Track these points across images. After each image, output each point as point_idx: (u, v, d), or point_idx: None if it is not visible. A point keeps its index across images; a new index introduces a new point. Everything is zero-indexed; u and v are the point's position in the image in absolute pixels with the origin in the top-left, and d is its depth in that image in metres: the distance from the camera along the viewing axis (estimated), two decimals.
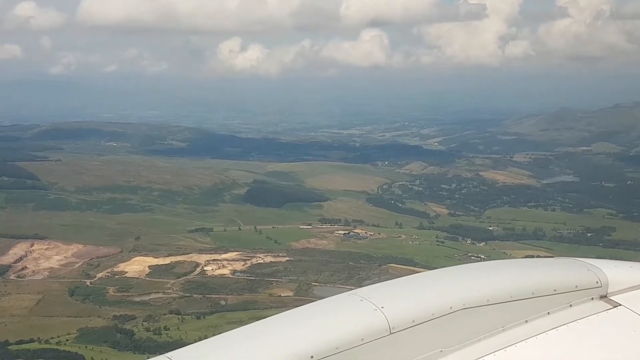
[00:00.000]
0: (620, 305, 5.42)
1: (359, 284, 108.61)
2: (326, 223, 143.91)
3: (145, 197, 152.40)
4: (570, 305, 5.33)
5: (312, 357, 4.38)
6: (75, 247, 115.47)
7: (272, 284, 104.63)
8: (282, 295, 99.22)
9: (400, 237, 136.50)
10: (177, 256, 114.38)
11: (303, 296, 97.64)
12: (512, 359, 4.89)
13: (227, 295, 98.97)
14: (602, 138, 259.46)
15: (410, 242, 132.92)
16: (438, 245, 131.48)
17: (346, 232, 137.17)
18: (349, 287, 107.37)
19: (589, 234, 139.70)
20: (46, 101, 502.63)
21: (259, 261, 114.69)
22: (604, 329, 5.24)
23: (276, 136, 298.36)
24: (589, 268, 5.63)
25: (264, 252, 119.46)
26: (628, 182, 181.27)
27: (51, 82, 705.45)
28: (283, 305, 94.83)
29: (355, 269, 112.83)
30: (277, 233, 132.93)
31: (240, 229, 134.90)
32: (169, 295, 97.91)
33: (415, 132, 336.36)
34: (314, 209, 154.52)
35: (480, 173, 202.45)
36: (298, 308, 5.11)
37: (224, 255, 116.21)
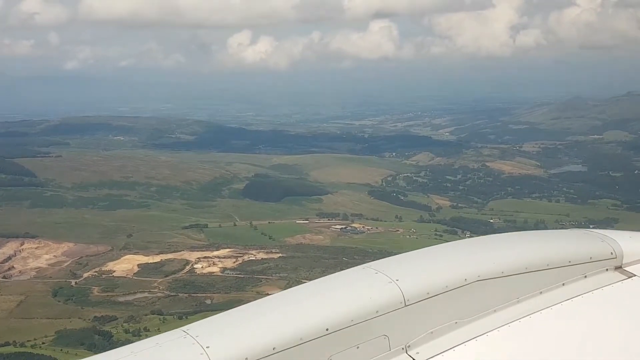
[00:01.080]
0: (635, 275, 5.41)
1: None
2: (324, 217, 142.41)
3: (143, 193, 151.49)
4: (585, 276, 5.30)
5: (327, 329, 4.39)
6: (65, 246, 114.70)
7: (261, 281, 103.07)
8: (269, 293, 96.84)
9: (398, 231, 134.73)
10: (168, 254, 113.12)
11: None
12: (527, 330, 4.89)
13: (214, 294, 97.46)
14: (614, 126, 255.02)
15: (408, 237, 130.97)
16: (436, 238, 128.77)
17: (343, 226, 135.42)
18: None
19: (591, 226, 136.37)
20: (61, 96, 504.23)
21: (250, 258, 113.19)
22: (618, 300, 5.20)
23: (287, 128, 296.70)
24: (603, 239, 5.60)
25: (256, 249, 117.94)
26: (635, 172, 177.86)
27: (64, 77, 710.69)
28: None
29: (348, 265, 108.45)
30: (273, 228, 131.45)
31: (235, 225, 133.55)
32: (154, 295, 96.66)
33: (427, 122, 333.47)
34: (313, 202, 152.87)
35: (487, 164, 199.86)
36: (313, 281, 5.13)
37: (215, 253, 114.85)
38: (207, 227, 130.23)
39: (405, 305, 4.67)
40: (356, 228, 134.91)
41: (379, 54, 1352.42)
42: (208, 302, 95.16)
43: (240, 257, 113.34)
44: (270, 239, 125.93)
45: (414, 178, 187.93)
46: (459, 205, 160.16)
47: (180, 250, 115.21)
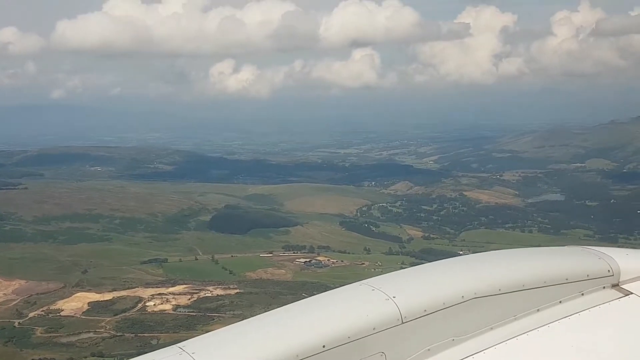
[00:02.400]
0: (631, 293, 5.37)
1: None
2: (290, 250, 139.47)
3: (106, 226, 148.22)
4: (582, 294, 5.29)
5: (324, 346, 4.40)
6: (17, 283, 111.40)
7: (213, 319, 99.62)
8: None
9: (363, 264, 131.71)
10: (121, 291, 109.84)
11: None
12: (524, 347, 4.90)
13: (161, 333, 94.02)
14: (597, 154, 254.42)
15: (372, 270, 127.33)
16: None
17: (307, 260, 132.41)
18: None
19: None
20: (45, 125, 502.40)
21: (206, 294, 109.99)
22: (615, 318, 5.21)
23: (270, 157, 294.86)
24: (601, 257, 5.58)
25: (214, 284, 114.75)
26: (611, 201, 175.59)
27: (48, 106, 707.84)
28: None
29: None
30: (235, 262, 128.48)
31: (196, 259, 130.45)
32: (100, 335, 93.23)
33: (412, 151, 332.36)
34: (281, 234, 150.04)
35: (465, 193, 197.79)
36: (310, 298, 5.11)
37: (171, 289, 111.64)
38: (166, 262, 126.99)
39: (403, 322, 4.64)
40: (321, 261, 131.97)
41: (363, 82, 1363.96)
42: (154, 342, 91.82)
43: (196, 293, 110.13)
44: (230, 273, 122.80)
45: (389, 208, 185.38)
46: (431, 236, 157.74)
47: (135, 287, 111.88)
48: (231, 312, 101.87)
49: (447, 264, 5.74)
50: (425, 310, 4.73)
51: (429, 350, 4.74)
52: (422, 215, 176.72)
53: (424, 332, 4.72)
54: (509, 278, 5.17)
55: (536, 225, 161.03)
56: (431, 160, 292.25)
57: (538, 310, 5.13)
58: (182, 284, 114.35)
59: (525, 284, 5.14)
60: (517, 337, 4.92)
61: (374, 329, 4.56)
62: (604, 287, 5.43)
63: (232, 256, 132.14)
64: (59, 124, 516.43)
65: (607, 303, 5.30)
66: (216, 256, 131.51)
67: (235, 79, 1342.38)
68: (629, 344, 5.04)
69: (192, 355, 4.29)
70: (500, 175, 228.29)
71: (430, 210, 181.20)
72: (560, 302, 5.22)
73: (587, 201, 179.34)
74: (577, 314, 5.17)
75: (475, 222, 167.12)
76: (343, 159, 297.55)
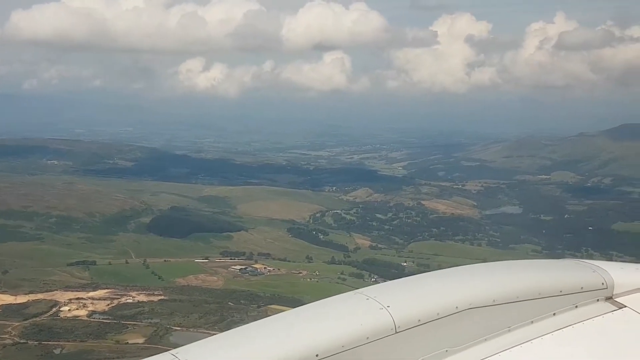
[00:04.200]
0: (625, 306, 5.43)
1: (227, 328, 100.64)
2: (228, 256, 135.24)
3: (40, 225, 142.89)
4: (576, 307, 5.34)
5: (317, 355, 4.42)
6: None
7: (127, 328, 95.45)
8: (129, 342, 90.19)
9: (300, 273, 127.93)
10: (39, 294, 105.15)
11: (154, 344, 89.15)
12: (518, 359, 4.93)
13: (68, 342, 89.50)
14: (563, 167, 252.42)
15: (309, 280, 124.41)
16: (337, 283, 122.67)
17: (243, 267, 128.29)
18: (211, 332, 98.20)
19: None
20: (18, 117, 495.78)
21: (127, 301, 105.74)
22: (609, 330, 5.25)
23: (238, 157, 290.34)
24: (595, 270, 5.63)
25: (138, 290, 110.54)
26: (566, 216, 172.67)
27: (20, 97, 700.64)
28: (121, 355, 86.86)
29: (231, 310, 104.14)
30: (167, 267, 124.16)
31: (127, 263, 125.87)
32: (2, 342, 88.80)
33: (383, 156, 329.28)
34: (222, 240, 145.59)
35: (423, 202, 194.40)
36: (304, 306, 5.13)
37: (91, 294, 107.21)
38: (94, 265, 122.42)
39: (396, 332, 4.65)
40: (257, 269, 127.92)
41: (335, 85, 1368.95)
42: (57, 351, 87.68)
43: (117, 299, 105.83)
44: (159, 279, 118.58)
45: (343, 215, 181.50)
46: (379, 246, 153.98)
47: (54, 290, 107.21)
48: (148, 321, 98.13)
49: (442, 275, 5.67)
50: (419, 320, 4.72)
51: None
52: (374, 224, 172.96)
53: (417, 343, 4.69)
54: (504, 289, 5.13)
55: (486, 239, 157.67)
56: (400, 166, 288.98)
57: (532, 322, 5.11)
58: (104, 289, 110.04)
59: (520, 295, 5.10)
60: (510, 349, 4.91)
61: (367, 338, 4.53)
62: (597, 300, 5.43)
63: (165, 261, 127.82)
64: (27, 116, 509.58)
65: (601, 316, 5.30)
66: (149, 260, 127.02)
67: (204, 77, 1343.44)
68: (622, 357, 5.02)
69: None
70: (463, 185, 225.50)
71: (384, 219, 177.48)
72: (554, 314, 5.20)
73: (542, 215, 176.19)
74: (571, 326, 5.16)
75: (426, 233, 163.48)
76: (313, 161, 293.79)
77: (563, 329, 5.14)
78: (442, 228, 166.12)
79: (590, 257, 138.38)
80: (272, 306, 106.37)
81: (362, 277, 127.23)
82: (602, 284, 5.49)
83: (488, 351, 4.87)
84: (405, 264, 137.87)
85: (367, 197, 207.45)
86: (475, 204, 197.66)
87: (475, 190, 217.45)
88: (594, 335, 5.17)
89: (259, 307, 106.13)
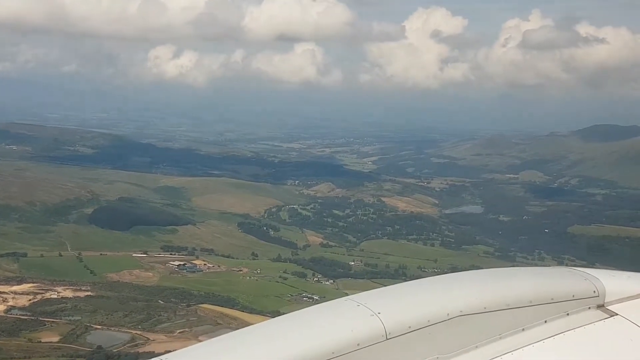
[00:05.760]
0: (617, 314, 5.42)
1: (151, 328, 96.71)
2: (170, 251, 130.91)
3: None
4: (567, 314, 5.31)
5: None
6: None
7: (44, 325, 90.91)
8: (43, 340, 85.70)
9: (241, 271, 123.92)
10: None
11: (69, 343, 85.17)
12: None
13: None
14: (531, 166, 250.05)
15: (248, 278, 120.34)
16: (277, 282, 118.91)
17: (183, 263, 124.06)
18: (133, 331, 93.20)
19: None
20: None
21: (52, 296, 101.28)
22: (600, 338, 5.24)
23: (206, 147, 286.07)
24: (587, 277, 5.61)
25: (66, 285, 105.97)
26: (524, 217, 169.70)
27: None
28: (29, 355, 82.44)
29: (159, 309, 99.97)
30: (101, 261, 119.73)
31: (61, 255, 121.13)
32: None
33: (355, 149, 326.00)
34: (167, 233, 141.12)
35: (383, 199, 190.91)
36: (294, 313, 5.12)
37: (15, 287, 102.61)
38: (25, 257, 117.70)
39: (387, 339, 4.61)
40: (196, 265, 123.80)
41: (308, 77, 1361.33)
42: None
43: (41, 294, 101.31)
44: (91, 273, 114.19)
45: (300, 210, 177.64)
46: (330, 243, 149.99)
47: None
48: (68, 318, 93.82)
49: (433, 282, 5.66)
50: (410, 327, 4.69)
51: None
52: (329, 220, 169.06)
53: (408, 349, 4.67)
54: (495, 297, 5.09)
55: (440, 239, 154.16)
56: (370, 161, 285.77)
57: (523, 329, 5.07)
58: (30, 283, 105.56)
59: (511, 303, 5.08)
60: (501, 356, 4.89)
61: (358, 344, 4.50)
62: (589, 308, 5.41)
63: (101, 254, 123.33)
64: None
65: (592, 324, 5.29)
66: (85, 253, 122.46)
67: (173, 65, 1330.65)
68: None
69: None
70: (428, 183, 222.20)
71: (340, 215, 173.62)
72: (545, 321, 5.16)
73: (501, 215, 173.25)
74: (562, 334, 5.14)
75: (380, 232, 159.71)
76: (283, 153, 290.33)
77: (554, 337, 5.08)
78: (397, 226, 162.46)
79: (543, 260, 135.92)
80: (203, 305, 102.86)
81: (305, 277, 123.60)
82: (594, 291, 5.42)
83: (479, 358, 4.82)
84: (353, 263, 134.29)
85: (328, 192, 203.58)
86: (436, 202, 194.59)
87: (439, 188, 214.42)
88: (585, 343, 5.12)
89: (188, 305, 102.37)
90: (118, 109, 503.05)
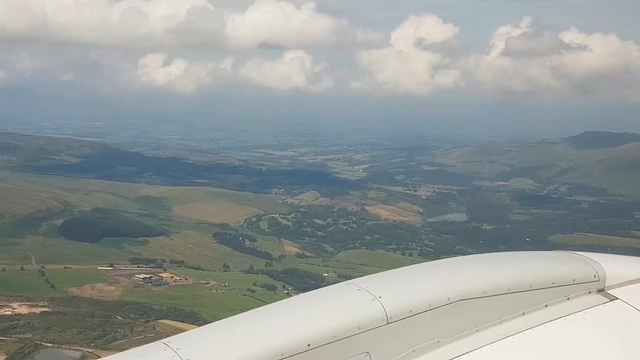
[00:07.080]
0: (617, 299, 5.44)
1: (104, 346, 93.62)
2: (137, 263, 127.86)
3: None
4: (568, 299, 5.33)
5: (309, 344, 4.42)
6: None
7: None
8: None
9: (208, 283, 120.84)
10: None
11: None
12: (509, 350, 4.95)
13: None
14: (522, 173, 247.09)
15: (215, 291, 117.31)
16: (245, 295, 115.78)
17: (149, 276, 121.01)
18: (86, 349, 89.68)
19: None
20: None
21: (6, 312, 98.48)
22: (600, 322, 5.27)
23: (192, 155, 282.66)
24: (587, 262, 5.62)
25: (22, 300, 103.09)
26: (507, 226, 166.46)
27: None
28: None
29: (115, 325, 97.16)
30: (64, 275, 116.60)
31: (23, 269, 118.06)
32: None
33: (347, 157, 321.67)
34: (137, 245, 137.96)
35: (367, 207, 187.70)
36: (296, 297, 5.27)
37: None
38: None
39: (388, 323, 4.65)
40: (162, 278, 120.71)
41: (293, 84, 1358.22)
42: None
43: None
44: (52, 287, 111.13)
45: (280, 220, 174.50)
46: (306, 254, 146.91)
47: None
48: (19, 336, 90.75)
49: (434, 266, 5.64)
50: (411, 311, 4.72)
51: (414, 351, 4.72)
52: (308, 229, 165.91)
53: (409, 333, 4.70)
54: (495, 281, 5.11)
55: (419, 248, 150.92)
56: (361, 169, 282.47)
57: (524, 313, 5.11)
58: None
59: (511, 287, 5.10)
60: (502, 340, 4.91)
61: (359, 328, 4.54)
62: (589, 292, 5.42)
63: (65, 267, 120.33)
64: None
65: (593, 308, 5.31)
66: (49, 267, 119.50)
67: (162, 73, 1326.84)
68: (613, 349, 5.02)
69: (176, 351, 4.27)
70: (415, 191, 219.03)
71: (321, 224, 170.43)
72: (546, 306, 5.19)
73: (484, 224, 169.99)
74: (563, 318, 5.17)
75: (358, 242, 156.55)
76: (275, 161, 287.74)
77: (554, 321, 5.10)
78: (376, 236, 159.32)
79: None
80: (162, 321, 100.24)
81: (275, 289, 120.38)
82: (594, 276, 5.43)
83: (480, 342, 4.84)
84: (326, 274, 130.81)
85: (312, 200, 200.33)
86: (421, 210, 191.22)
87: (425, 195, 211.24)
88: (586, 327, 5.14)
89: (147, 321, 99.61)
90: (112, 116, 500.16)
